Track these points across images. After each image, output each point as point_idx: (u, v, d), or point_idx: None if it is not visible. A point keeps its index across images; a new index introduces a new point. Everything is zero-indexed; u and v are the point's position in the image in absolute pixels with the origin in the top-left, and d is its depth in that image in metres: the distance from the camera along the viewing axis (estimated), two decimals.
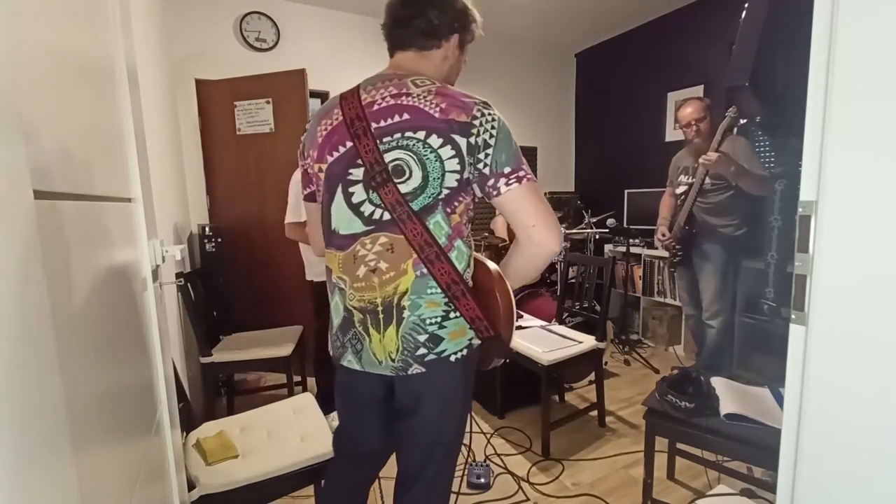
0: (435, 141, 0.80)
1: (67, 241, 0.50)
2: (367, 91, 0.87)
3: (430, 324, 0.85)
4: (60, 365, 0.42)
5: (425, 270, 0.84)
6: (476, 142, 0.80)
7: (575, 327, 2.43)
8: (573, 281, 2.73)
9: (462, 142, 0.80)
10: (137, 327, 0.80)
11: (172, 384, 1.02)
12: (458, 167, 0.82)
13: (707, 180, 2.27)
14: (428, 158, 0.81)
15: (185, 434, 1.30)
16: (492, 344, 0.90)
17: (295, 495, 1.29)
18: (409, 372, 0.87)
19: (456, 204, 0.85)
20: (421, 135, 0.80)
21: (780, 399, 1.39)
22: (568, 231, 3.22)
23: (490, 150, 0.81)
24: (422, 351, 0.86)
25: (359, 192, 0.86)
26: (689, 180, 2.40)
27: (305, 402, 1.57)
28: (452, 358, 0.87)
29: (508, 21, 3.66)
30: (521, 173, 0.82)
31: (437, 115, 0.80)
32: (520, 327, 2.36)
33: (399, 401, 0.94)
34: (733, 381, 1.54)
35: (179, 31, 2.83)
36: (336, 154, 0.87)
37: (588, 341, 2.11)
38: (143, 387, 0.81)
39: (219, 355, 2.01)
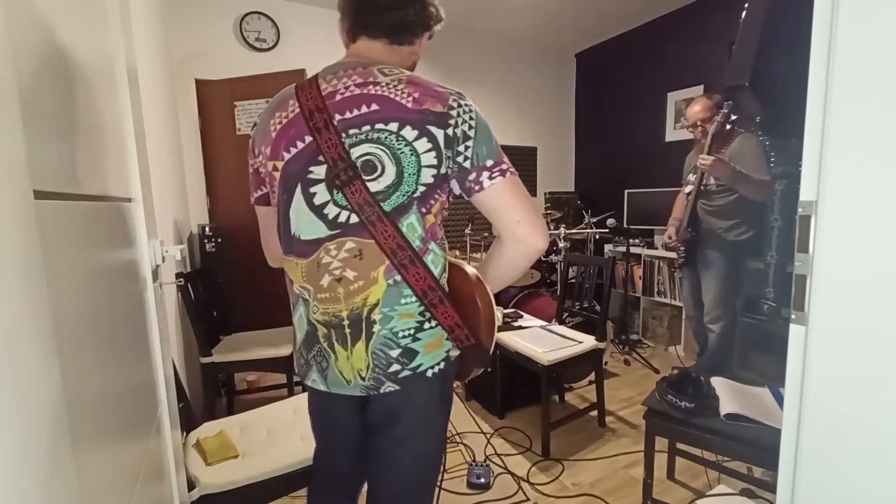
0: (409, 133, 0.73)
1: (67, 241, 0.50)
2: (328, 80, 0.79)
3: (403, 336, 0.78)
4: (60, 365, 0.42)
5: (398, 278, 0.76)
6: (455, 133, 0.74)
7: (575, 327, 2.43)
8: (573, 281, 2.73)
9: (439, 133, 0.74)
10: (137, 327, 0.80)
11: (172, 384, 1.02)
12: (434, 161, 0.75)
13: (712, 181, 2.26)
14: (402, 152, 0.73)
15: (185, 434, 1.30)
16: (472, 353, 0.83)
17: (295, 495, 1.29)
18: (382, 391, 0.79)
19: (432, 203, 0.79)
20: (393, 126, 0.73)
21: (780, 399, 1.39)
22: (568, 231, 3.22)
23: (470, 143, 0.75)
24: (395, 367, 0.78)
25: (321, 193, 0.77)
26: (696, 179, 2.39)
27: (305, 403, 1.57)
28: (429, 373, 0.80)
29: (508, 21, 3.66)
30: (505, 166, 0.77)
31: (409, 105, 0.73)
32: (520, 327, 2.36)
33: (373, 420, 0.87)
34: (733, 381, 1.54)
35: (179, 31, 2.84)
36: (293, 150, 0.78)
37: (588, 341, 2.11)
38: (143, 387, 0.81)
39: (219, 355, 2.01)
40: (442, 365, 0.81)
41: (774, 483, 0.70)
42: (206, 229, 2.48)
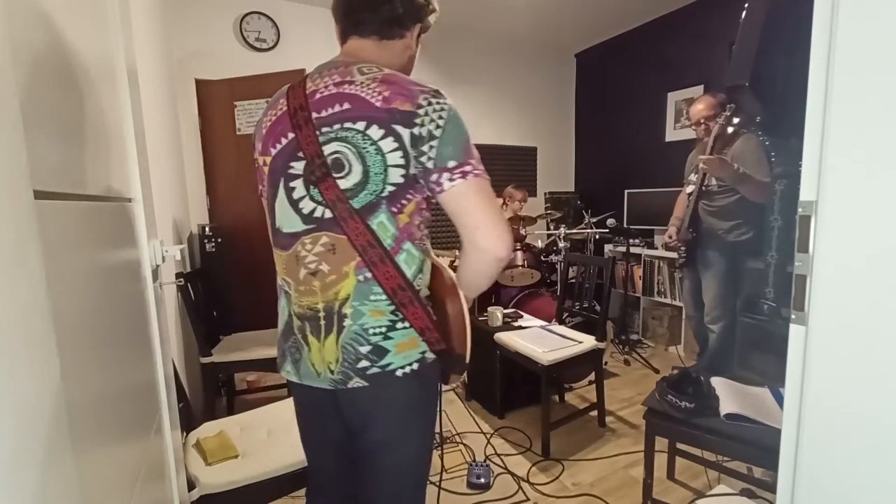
0: (375, 132, 0.72)
1: (67, 241, 0.50)
2: (313, 79, 0.80)
3: (374, 334, 0.77)
4: (60, 365, 0.42)
5: (368, 275, 0.76)
6: (420, 133, 0.72)
7: (575, 327, 2.43)
8: (573, 281, 2.73)
9: (405, 133, 0.72)
10: (138, 327, 0.80)
11: (172, 384, 1.02)
12: (401, 161, 0.74)
13: (713, 182, 2.25)
14: (368, 152, 0.73)
15: (185, 434, 1.30)
16: (445, 358, 0.83)
17: (295, 495, 1.29)
18: (349, 386, 0.78)
19: (403, 203, 0.77)
20: (361, 125, 0.73)
21: (780, 399, 1.39)
22: (568, 231, 3.22)
23: (435, 143, 0.73)
24: (363, 363, 0.78)
25: (299, 188, 0.79)
26: (697, 179, 2.39)
27: None
28: (399, 373, 0.78)
29: (508, 21, 3.66)
30: (468, 168, 0.74)
31: (378, 104, 0.73)
32: (520, 327, 2.37)
33: (347, 420, 0.87)
34: (733, 381, 1.54)
35: (179, 31, 2.84)
36: (279, 146, 0.81)
37: (588, 341, 2.11)
38: (143, 387, 0.81)
39: (219, 355, 2.01)
40: (415, 366, 0.80)
41: (774, 483, 0.70)
42: (206, 229, 2.48)
